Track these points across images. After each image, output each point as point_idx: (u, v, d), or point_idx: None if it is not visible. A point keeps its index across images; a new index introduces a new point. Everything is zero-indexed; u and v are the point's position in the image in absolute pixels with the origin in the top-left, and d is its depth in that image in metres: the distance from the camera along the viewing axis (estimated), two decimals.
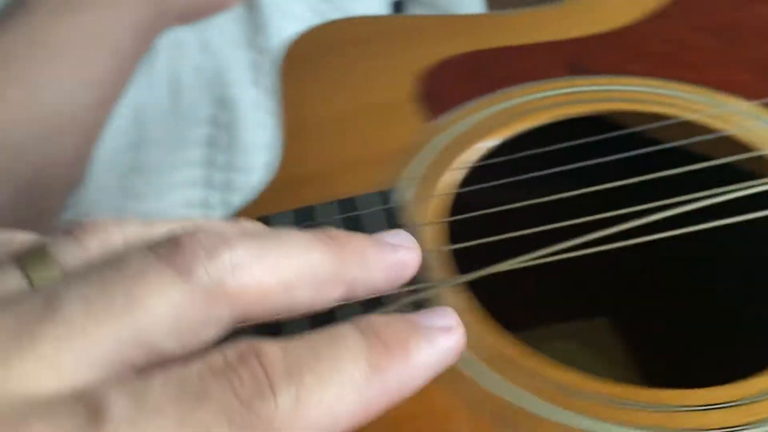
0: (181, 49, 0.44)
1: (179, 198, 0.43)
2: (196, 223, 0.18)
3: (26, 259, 0.16)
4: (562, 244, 0.22)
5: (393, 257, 0.19)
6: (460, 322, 0.18)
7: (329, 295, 0.18)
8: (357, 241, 0.19)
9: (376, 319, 0.17)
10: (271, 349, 0.15)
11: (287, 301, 0.17)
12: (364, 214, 0.25)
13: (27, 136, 0.36)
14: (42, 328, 0.14)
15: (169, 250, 0.16)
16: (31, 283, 0.16)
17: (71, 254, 0.16)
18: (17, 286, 0.16)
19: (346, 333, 0.16)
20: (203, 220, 0.19)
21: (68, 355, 0.14)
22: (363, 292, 0.19)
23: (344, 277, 0.18)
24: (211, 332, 0.16)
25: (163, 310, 0.15)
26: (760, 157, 0.28)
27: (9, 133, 0.35)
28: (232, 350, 0.15)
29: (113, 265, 0.15)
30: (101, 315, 0.15)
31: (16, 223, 0.23)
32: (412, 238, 0.20)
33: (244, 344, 0.15)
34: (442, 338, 0.18)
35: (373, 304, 0.20)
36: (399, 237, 0.20)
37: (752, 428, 0.19)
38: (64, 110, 0.37)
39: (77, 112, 0.38)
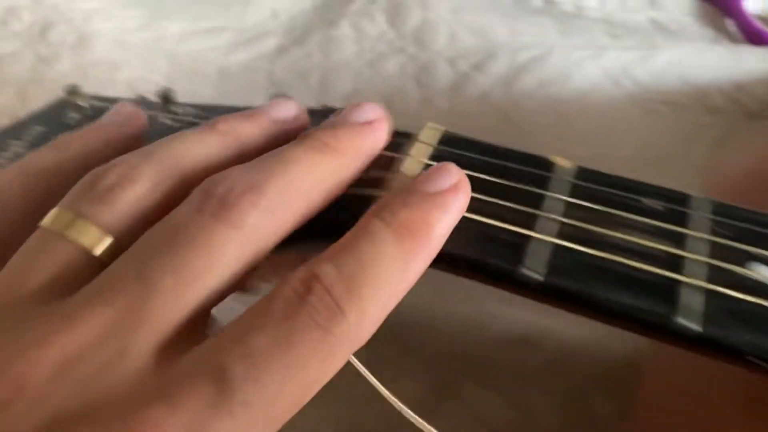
0: None
1: None
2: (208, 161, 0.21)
3: (67, 231, 0.18)
4: None
5: (373, 137, 0.22)
6: (462, 173, 0.20)
7: (338, 193, 0.21)
8: (345, 138, 0.21)
9: (393, 204, 0.19)
10: (326, 269, 0.17)
11: (309, 212, 0.20)
12: None
13: None
14: (150, 306, 0.16)
15: (218, 208, 0.18)
16: (93, 255, 0.18)
17: (105, 215, 0.19)
18: (79, 259, 0.18)
19: (376, 230, 0.18)
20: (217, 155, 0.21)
21: (175, 321, 0.17)
22: (358, 174, 0.22)
23: (345, 175, 0.21)
24: (267, 253, 0.19)
25: (231, 260, 0.18)
26: None
27: None
28: (297, 281, 0.17)
29: (178, 234, 0.18)
30: (190, 280, 0.17)
31: None
32: (379, 108, 0.23)
33: (303, 272, 0.17)
34: (453, 201, 0.19)
35: None
36: (371, 111, 0.22)
37: None
38: None
39: None
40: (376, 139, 0.22)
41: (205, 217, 0.18)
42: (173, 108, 0.30)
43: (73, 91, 0.32)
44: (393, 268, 0.18)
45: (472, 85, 0.45)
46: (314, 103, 0.47)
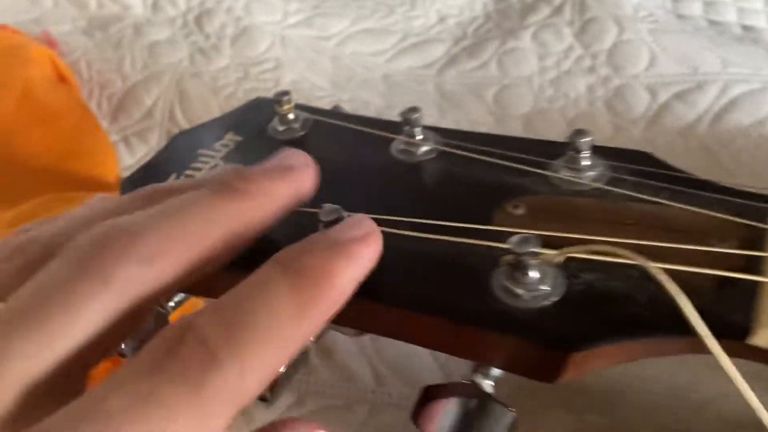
0: None
1: None
2: (94, 210, 0.19)
3: None
4: None
5: (293, 183, 0.20)
6: (375, 226, 0.19)
7: (245, 240, 0.19)
8: (255, 181, 0.19)
9: (295, 250, 0.18)
10: (204, 320, 0.16)
11: (206, 259, 0.18)
12: None
13: None
14: (1, 372, 0.15)
15: (81, 261, 0.16)
16: None
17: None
18: None
19: (269, 278, 0.17)
20: (101, 204, 0.20)
21: (32, 387, 0.15)
22: (272, 219, 0.20)
23: (253, 221, 0.19)
24: (154, 304, 0.17)
25: (100, 318, 0.16)
26: None
27: None
28: (169, 332, 0.15)
29: (38, 292, 0.16)
30: (45, 342, 0.15)
31: None
32: (305, 155, 0.21)
33: (178, 323, 0.16)
34: (360, 251, 0.18)
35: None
36: (295, 157, 0.21)
37: None
38: None
39: None
40: (298, 186, 0.21)
41: (67, 271, 0.16)
42: (414, 132, 0.26)
43: (279, 99, 0.29)
44: (284, 317, 0.16)
45: (673, 116, 0.40)
46: (491, 120, 0.43)
